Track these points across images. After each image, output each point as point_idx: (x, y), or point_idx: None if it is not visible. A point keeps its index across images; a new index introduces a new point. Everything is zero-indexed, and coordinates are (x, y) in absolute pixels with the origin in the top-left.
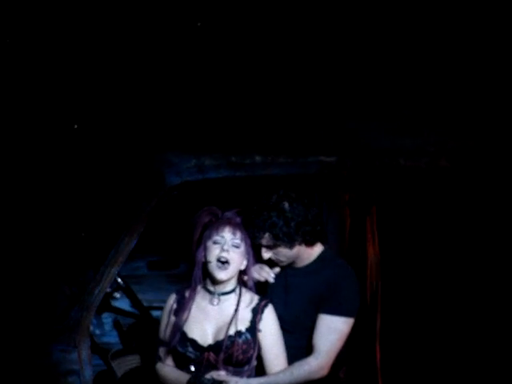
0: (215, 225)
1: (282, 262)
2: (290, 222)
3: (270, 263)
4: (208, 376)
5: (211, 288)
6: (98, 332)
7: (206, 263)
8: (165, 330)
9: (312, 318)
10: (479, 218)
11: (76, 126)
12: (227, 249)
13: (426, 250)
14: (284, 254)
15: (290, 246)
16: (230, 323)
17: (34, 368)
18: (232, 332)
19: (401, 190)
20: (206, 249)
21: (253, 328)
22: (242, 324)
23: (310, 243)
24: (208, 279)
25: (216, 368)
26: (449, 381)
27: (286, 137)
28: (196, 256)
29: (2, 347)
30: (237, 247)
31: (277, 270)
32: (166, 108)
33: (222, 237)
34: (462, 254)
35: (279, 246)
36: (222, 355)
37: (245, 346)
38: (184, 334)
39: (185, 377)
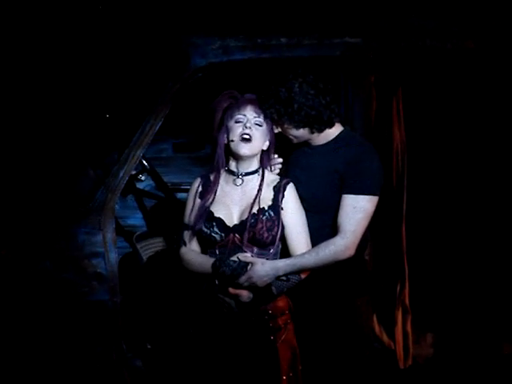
0: (237, 105)
1: (292, 139)
2: (294, 102)
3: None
4: (234, 258)
5: (234, 169)
6: (122, 214)
7: (228, 144)
8: (190, 214)
9: (332, 197)
10: (504, 99)
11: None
12: (249, 126)
13: (451, 131)
14: (290, 132)
15: (294, 126)
16: (253, 202)
17: (59, 250)
18: (255, 210)
19: (427, 72)
20: (228, 129)
21: (275, 206)
22: (265, 203)
23: (318, 130)
24: (231, 160)
25: (241, 251)
26: (474, 261)
27: (311, 18)
28: (218, 138)
29: (26, 230)
30: (259, 125)
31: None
32: None
33: (244, 115)
34: (485, 134)
35: (283, 123)
36: (246, 234)
37: (269, 224)
38: (210, 213)
39: (210, 260)
